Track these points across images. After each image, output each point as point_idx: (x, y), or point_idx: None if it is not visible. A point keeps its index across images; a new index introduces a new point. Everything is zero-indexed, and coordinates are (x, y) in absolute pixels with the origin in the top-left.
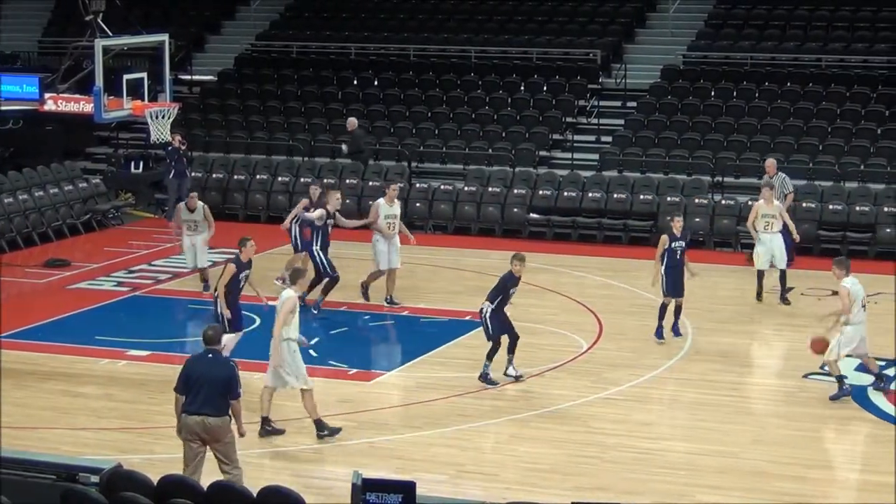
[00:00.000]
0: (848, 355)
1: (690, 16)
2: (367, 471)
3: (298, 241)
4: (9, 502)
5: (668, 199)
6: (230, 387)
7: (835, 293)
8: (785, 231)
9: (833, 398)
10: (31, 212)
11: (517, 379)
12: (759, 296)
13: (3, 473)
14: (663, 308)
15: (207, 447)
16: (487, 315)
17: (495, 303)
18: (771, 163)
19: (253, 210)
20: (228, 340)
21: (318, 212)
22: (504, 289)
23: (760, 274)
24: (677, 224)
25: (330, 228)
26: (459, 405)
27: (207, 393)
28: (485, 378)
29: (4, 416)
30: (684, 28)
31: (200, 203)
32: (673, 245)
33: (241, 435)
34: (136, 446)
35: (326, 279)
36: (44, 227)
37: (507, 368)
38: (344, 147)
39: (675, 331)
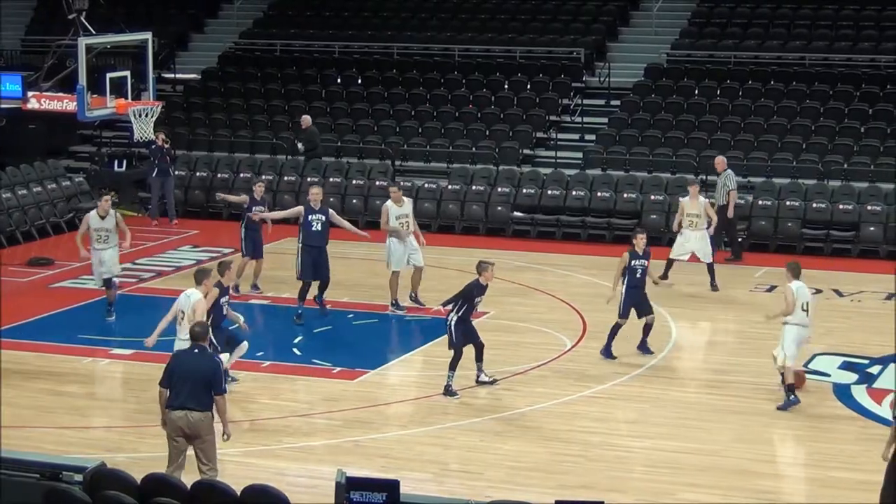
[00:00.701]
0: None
1: (674, 14)
2: (351, 469)
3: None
4: None
5: (652, 197)
6: (214, 382)
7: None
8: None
9: (780, 408)
10: (15, 210)
11: (492, 384)
12: (663, 277)
13: None
14: (616, 328)
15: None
16: (452, 323)
17: (461, 312)
18: (720, 160)
19: (236, 208)
20: (227, 361)
21: (296, 208)
22: (469, 297)
23: (669, 262)
24: (640, 241)
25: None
26: (443, 404)
27: (191, 387)
28: (448, 390)
29: None
30: (668, 27)
31: (113, 210)
32: (633, 263)
33: (226, 436)
34: (120, 445)
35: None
36: (27, 225)
37: (478, 376)
38: (300, 145)
39: (645, 349)
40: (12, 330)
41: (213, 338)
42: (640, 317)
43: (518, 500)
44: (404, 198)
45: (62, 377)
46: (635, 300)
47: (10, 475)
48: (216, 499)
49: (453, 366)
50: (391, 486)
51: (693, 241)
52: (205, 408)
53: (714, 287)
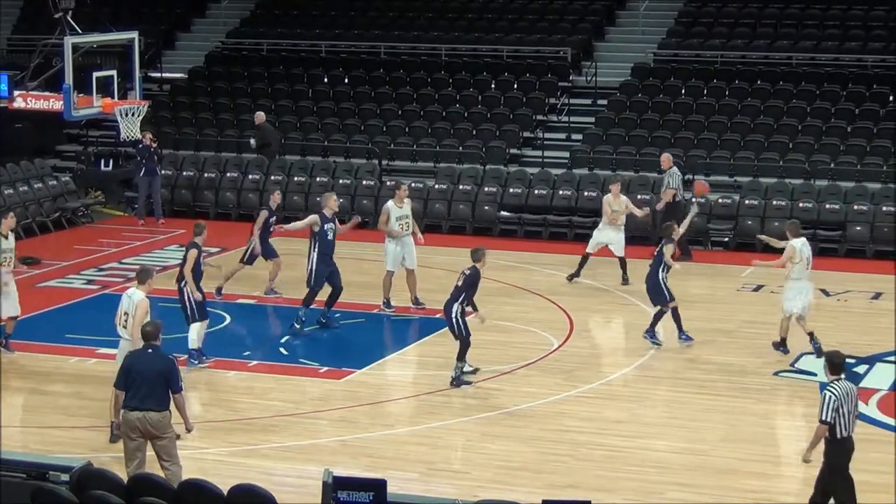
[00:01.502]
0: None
1: (661, 14)
2: (337, 469)
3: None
4: None
5: (639, 196)
6: (171, 380)
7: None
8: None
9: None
10: (1, 209)
11: (474, 372)
12: (573, 276)
13: None
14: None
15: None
16: (458, 314)
17: (464, 302)
18: (666, 157)
19: (223, 208)
20: (198, 329)
21: (312, 217)
22: (475, 286)
23: (586, 256)
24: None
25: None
26: (430, 403)
27: (148, 388)
28: (458, 381)
29: None
30: (655, 26)
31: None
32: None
33: (189, 430)
34: (107, 445)
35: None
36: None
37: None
38: (252, 141)
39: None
40: None
41: (194, 301)
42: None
43: (506, 499)
44: (406, 199)
45: (48, 376)
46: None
47: None
48: (203, 498)
49: (462, 356)
50: (378, 486)
51: (608, 233)
52: (163, 407)
53: (625, 281)
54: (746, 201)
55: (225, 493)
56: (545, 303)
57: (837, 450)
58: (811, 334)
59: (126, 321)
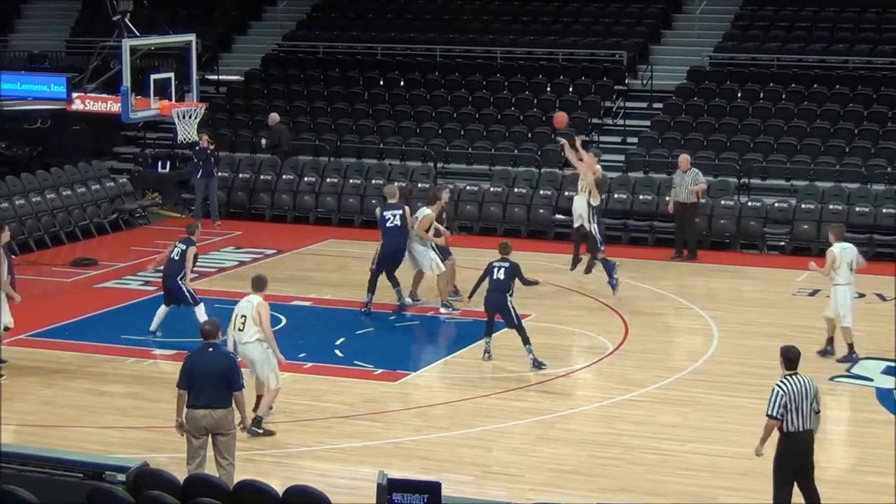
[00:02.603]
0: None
1: (717, 17)
2: (392, 471)
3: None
4: (36, 500)
5: (701, 202)
6: (232, 378)
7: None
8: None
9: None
10: (59, 211)
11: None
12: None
13: (30, 471)
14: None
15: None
16: (513, 303)
17: (512, 292)
18: (684, 158)
19: (279, 210)
20: (200, 312)
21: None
22: (518, 275)
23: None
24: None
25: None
26: (485, 406)
27: (212, 386)
28: (536, 363)
29: (30, 415)
30: (711, 29)
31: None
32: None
33: (245, 428)
34: (162, 445)
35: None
36: (71, 226)
37: (488, 347)
38: (263, 141)
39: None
40: (56, 330)
41: (191, 288)
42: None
43: (558, 502)
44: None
45: (105, 377)
46: None
47: (53, 475)
48: (258, 499)
49: (528, 339)
50: (432, 488)
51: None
52: (227, 404)
53: (588, 270)
54: (803, 205)
55: (280, 494)
56: (600, 306)
57: (784, 444)
58: (850, 345)
59: (244, 324)
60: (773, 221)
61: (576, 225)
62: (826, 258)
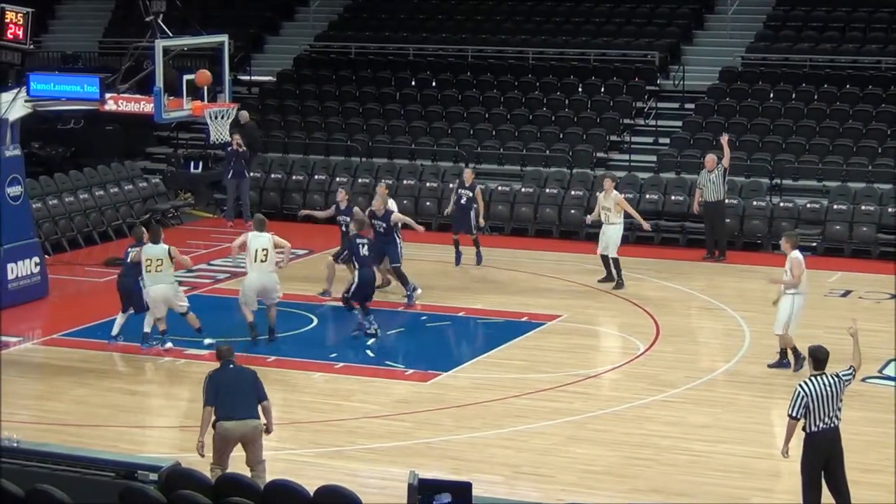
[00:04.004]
0: None
1: (749, 17)
2: (423, 471)
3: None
4: (68, 500)
5: (727, 201)
6: (259, 390)
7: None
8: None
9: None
10: (92, 211)
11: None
12: (608, 280)
13: (63, 471)
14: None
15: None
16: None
17: None
18: (710, 157)
19: (311, 210)
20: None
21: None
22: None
23: (601, 259)
24: None
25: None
26: (516, 406)
27: (241, 399)
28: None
29: (65, 414)
30: (743, 29)
31: None
32: None
33: (268, 432)
34: (194, 445)
35: None
36: (104, 226)
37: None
38: (237, 139)
39: None
40: (88, 329)
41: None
42: None
43: (589, 503)
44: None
45: (138, 376)
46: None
47: (85, 474)
48: (289, 499)
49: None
50: (463, 489)
51: (605, 234)
52: (257, 415)
53: (618, 285)
54: (835, 206)
55: (311, 494)
56: (631, 307)
57: (808, 444)
58: (795, 349)
59: (266, 255)
60: (804, 222)
61: (601, 253)
62: (793, 267)
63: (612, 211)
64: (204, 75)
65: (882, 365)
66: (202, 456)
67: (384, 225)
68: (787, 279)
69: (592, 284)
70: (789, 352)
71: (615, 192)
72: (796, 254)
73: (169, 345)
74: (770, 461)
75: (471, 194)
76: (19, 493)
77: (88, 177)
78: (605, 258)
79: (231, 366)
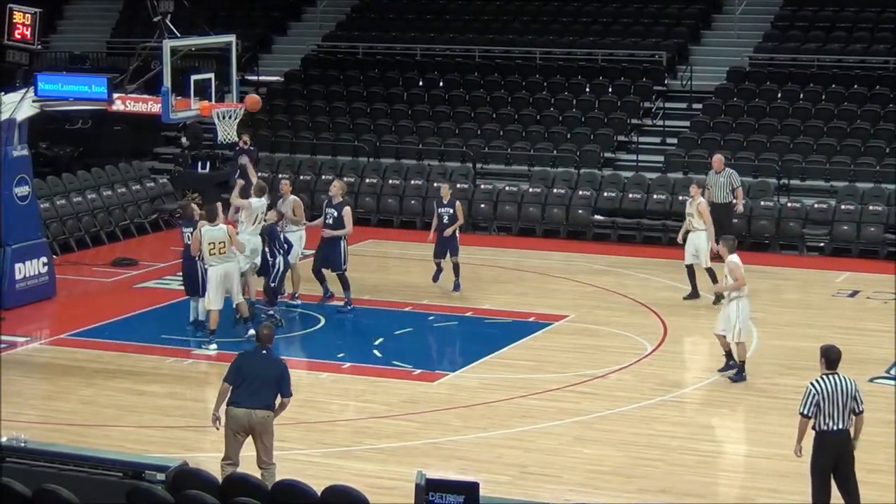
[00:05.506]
0: None
1: (757, 17)
2: (430, 471)
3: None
4: (76, 500)
5: (732, 200)
6: (282, 385)
7: None
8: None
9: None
10: (99, 211)
11: None
12: (693, 296)
13: (70, 471)
14: None
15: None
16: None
17: None
18: (718, 158)
19: (319, 210)
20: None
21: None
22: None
23: (686, 269)
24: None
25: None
26: (523, 406)
27: (258, 387)
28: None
29: (72, 414)
30: (750, 29)
31: None
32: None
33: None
34: (202, 444)
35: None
36: (111, 226)
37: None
38: (184, 139)
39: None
40: (96, 329)
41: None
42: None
43: (597, 503)
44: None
45: (144, 376)
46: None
47: (92, 474)
48: (297, 499)
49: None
50: (470, 489)
51: (693, 242)
52: (269, 407)
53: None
54: (842, 206)
55: (319, 493)
56: (638, 307)
57: (818, 443)
58: (729, 353)
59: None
60: (812, 222)
61: (689, 262)
62: (732, 271)
63: (696, 217)
64: (253, 100)
65: (890, 365)
66: (217, 428)
67: (335, 214)
68: (731, 283)
69: (599, 284)
70: (729, 354)
71: (701, 198)
72: (733, 257)
73: (214, 346)
74: (778, 461)
75: (451, 211)
76: (27, 492)
77: (96, 177)
78: (690, 268)
79: (264, 352)
